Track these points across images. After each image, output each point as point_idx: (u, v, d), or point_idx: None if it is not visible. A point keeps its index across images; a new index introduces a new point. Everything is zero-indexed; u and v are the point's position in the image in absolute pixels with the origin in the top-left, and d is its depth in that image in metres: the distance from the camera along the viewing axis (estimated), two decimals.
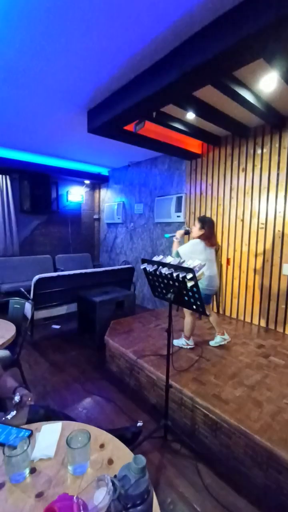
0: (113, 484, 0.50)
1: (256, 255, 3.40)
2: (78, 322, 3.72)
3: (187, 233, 2.74)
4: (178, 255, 2.59)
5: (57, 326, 4.07)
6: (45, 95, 2.54)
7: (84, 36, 1.75)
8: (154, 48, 1.86)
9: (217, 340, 2.74)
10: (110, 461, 0.84)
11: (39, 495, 0.74)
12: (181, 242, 2.72)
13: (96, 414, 2.20)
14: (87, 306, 3.44)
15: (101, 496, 0.49)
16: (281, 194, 3.12)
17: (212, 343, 2.75)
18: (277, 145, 3.13)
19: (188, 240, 2.79)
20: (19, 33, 1.72)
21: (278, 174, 3.14)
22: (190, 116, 2.83)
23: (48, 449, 0.87)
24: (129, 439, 1.59)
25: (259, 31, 1.41)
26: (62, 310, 3.79)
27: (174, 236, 2.66)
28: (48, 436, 0.92)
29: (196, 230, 2.58)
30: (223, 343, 2.73)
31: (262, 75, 2.11)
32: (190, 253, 2.50)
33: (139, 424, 2.02)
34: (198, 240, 2.55)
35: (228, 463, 1.70)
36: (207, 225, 2.57)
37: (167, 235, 2.90)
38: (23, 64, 2.06)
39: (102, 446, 0.91)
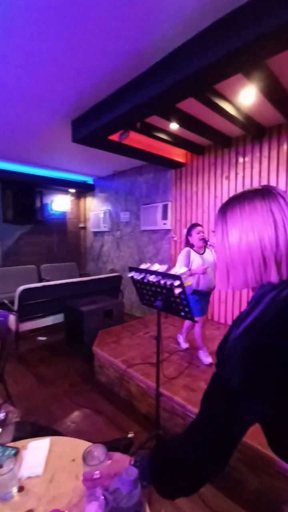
0: (105, 497, 0.49)
1: None
2: (65, 333, 3.65)
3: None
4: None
5: (43, 338, 3.96)
6: (26, 105, 2.54)
7: (65, 49, 1.78)
8: (135, 62, 1.92)
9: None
10: None
11: None
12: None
13: (85, 427, 2.14)
14: (74, 316, 3.38)
15: (92, 510, 0.47)
16: None
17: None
18: (257, 154, 3.25)
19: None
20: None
21: (260, 181, 3.26)
22: (174, 126, 2.90)
23: (36, 466, 0.84)
24: (121, 451, 1.56)
25: (237, 49, 1.48)
26: (48, 321, 3.70)
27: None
28: (36, 453, 0.89)
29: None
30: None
31: (242, 88, 2.21)
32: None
33: (130, 435, 1.99)
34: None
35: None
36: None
37: None
38: (4, 74, 2.05)
39: None
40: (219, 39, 1.53)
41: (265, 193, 0.61)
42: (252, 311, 0.57)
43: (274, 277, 0.57)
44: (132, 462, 0.64)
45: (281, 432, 0.60)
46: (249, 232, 0.59)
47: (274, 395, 0.53)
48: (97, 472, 0.65)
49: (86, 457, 0.70)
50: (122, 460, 0.68)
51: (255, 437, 1.57)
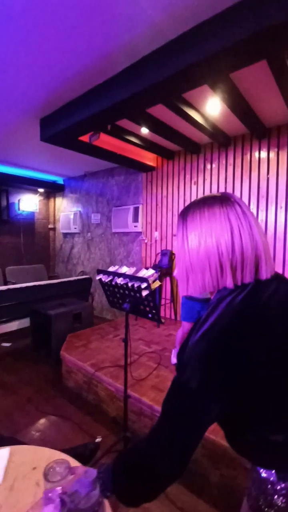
0: (62, 499, 0.49)
1: None
2: (32, 338, 3.50)
3: None
4: None
5: (7, 344, 3.77)
6: None
7: (35, 48, 1.74)
8: (104, 66, 1.93)
9: None
10: None
11: None
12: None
13: (51, 436, 2.08)
14: (41, 320, 3.26)
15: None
16: None
17: None
18: (224, 161, 3.42)
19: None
20: None
21: (226, 187, 3.43)
22: (144, 131, 2.95)
23: None
24: (87, 456, 1.54)
25: (199, 61, 1.56)
26: (13, 326, 3.53)
27: None
28: None
29: None
30: None
31: (208, 99, 2.31)
32: None
33: (98, 439, 1.96)
34: None
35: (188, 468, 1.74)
36: None
37: None
38: None
39: None
40: (183, 51, 1.59)
41: (224, 200, 0.63)
42: (210, 316, 0.58)
43: (229, 283, 0.59)
44: (96, 475, 0.62)
45: (237, 429, 0.63)
46: (208, 237, 0.60)
47: (231, 395, 0.56)
48: (59, 488, 0.62)
49: (47, 474, 0.68)
50: (80, 473, 0.65)
51: (217, 432, 1.64)
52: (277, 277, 0.65)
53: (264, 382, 0.56)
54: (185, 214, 0.67)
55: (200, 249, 0.61)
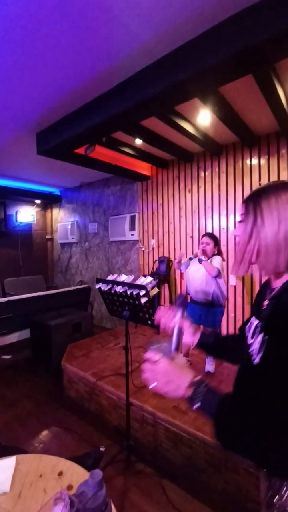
0: (71, 500, 0.52)
1: None
2: (32, 349, 3.50)
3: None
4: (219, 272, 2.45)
5: (8, 357, 3.75)
6: None
7: (30, 67, 1.82)
8: (98, 83, 2.01)
9: None
10: (70, 487, 0.82)
11: None
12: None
13: (54, 447, 2.07)
14: (41, 332, 3.27)
15: (58, 511, 0.49)
16: (223, 212, 3.46)
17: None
18: (216, 169, 3.50)
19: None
20: None
21: (219, 194, 3.50)
22: (138, 142, 3.03)
23: (2, 484, 0.82)
24: (89, 467, 1.54)
25: (188, 78, 1.64)
26: (13, 338, 3.52)
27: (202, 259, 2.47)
28: (1, 471, 0.87)
29: (211, 247, 2.54)
30: None
31: (199, 110, 2.40)
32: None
33: (102, 449, 1.96)
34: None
35: (191, 475, 1.74)
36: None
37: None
38: None
39: (60, 474, 0.89)
40: (173, 68, 1.68)
41: None
42: None
43: None
44: (196, 379, 0.64)
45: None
46: (285, 219, 0.65)
47: None
48: (159, 356, 0.66)
49: (152, 342, 0.71)
50: (181, 364, 0.69)
51: None
52: None
53: None
54: (257, 199, 0.70)
55: (279, 230, 0.65)
